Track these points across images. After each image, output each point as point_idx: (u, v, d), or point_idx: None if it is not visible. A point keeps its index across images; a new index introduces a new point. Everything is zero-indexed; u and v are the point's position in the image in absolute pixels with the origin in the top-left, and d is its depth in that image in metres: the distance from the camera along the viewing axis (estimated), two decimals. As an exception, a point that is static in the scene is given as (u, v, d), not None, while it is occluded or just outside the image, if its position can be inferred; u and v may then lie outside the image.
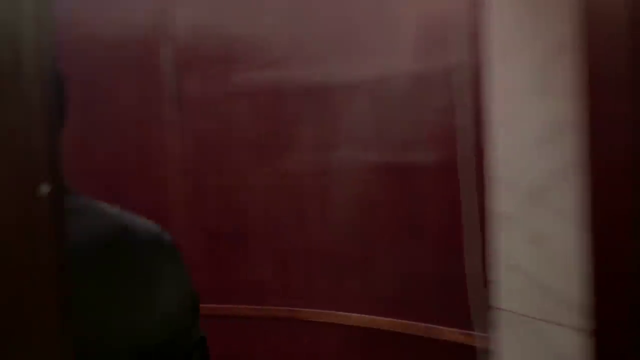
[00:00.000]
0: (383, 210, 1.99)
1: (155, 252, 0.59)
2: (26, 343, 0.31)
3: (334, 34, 2.01)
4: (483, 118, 1.58)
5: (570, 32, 1.14)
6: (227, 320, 2.20)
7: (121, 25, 2.12)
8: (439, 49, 1.84)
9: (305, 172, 2.12)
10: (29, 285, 0.30)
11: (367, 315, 2.01)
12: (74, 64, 2.08)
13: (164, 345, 0.56)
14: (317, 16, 2.04)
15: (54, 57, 0.35)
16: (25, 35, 0.33)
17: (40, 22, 0.34)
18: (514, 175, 1.38)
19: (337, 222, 2.08)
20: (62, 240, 0.32)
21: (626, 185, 0.64)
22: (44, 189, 0.31)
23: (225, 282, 2.22)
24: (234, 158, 2.19)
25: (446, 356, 1.83)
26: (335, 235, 2.09)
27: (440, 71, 1.84)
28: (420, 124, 1.89)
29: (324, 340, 2.10)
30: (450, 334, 1.81)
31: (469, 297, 1.68)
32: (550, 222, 1.26)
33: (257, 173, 2.18)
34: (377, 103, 1.96)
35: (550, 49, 1.23)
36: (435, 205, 1.88)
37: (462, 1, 1.73)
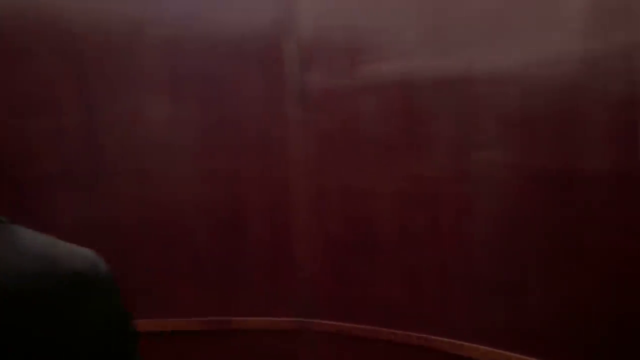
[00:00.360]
0: (536, 226, 1.72)
1: (84, 284, 0.59)
2: None
3: (475, 15, 1.78)
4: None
5: None
6: (346, 341, 2.10)
7: (243, 19, 2.11)
8: (617, 24, 1.53)
9: (441, 177, 1.92)
10: None
11: (512, 353, 1.76)
12: (197, 63, 2.12)
13: None
14: (458, -7, 1.83)
15: None
16: None
17: None
18: None
19: (478, 237, 1.86)
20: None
21: None
22: None
23: (347, 297, 2.11)
24: (361, 159, 2.07)
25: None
26: (476, 253, 1.87)
27: (617, 53, 1.53)
28: (587, 121, 1.60)
29: (460, 375, 1.90)
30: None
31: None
32: None
33: (387, 176, 2.03)
34: (529, 95, 1.69)
35: None
36: (605, 223, 1.58)
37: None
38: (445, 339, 1.92)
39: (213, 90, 2.13)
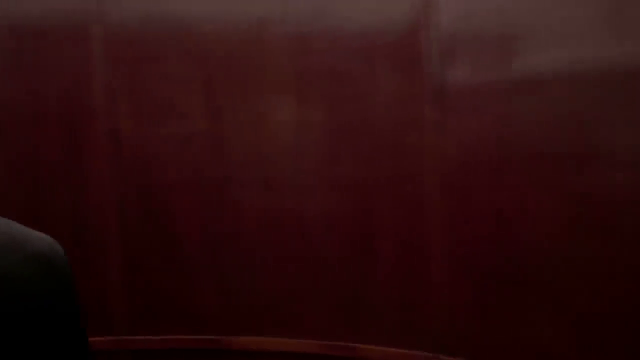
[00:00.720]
0: None
1: (44, 262, 0.61)
2: None
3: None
4: None
5: None
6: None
7: (374, 9, 1.88)
8: None
9: (622, 200, 1.52)
10: None
11: None
12: (323, 60, 1.95)
13: None
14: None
15: None
16: None
17: None
18: None
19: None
20: None
21: None
22: None
23: (492, 335, 1.79)
24: (515, 171, 1.73)
25: None
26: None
27: None
28: None
29: None
30: None
31: None
32: None
33: (548, 197, 1.67)
34: None
35: None
36: None
37: None
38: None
39: (340, 89, 1.94)
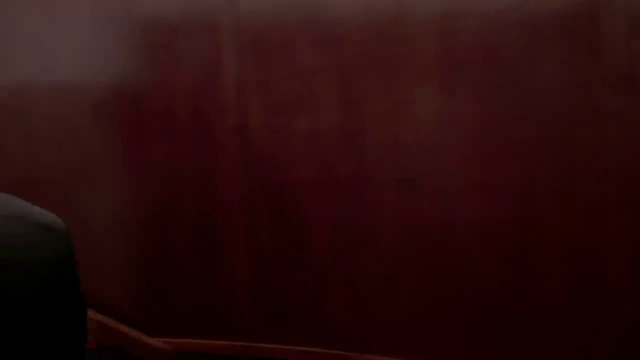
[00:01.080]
0: None
1: (49, 232, 0.63)
2: None
3: None
4: None
5: None
6: None
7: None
8: None
9: None
10: None
11: None
12: (474, 42, 1.65)
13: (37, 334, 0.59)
14: None
15: None
16: None
17: None
18: None
19: None
20: None
21: None
22: None
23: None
24: None
25: None
26: None
27: None
28: None
29: None
30: None
31: None
32: None
33: None
34: None
35: None
36: None
37: None
38: None
39: (494, 75, 1.63)
